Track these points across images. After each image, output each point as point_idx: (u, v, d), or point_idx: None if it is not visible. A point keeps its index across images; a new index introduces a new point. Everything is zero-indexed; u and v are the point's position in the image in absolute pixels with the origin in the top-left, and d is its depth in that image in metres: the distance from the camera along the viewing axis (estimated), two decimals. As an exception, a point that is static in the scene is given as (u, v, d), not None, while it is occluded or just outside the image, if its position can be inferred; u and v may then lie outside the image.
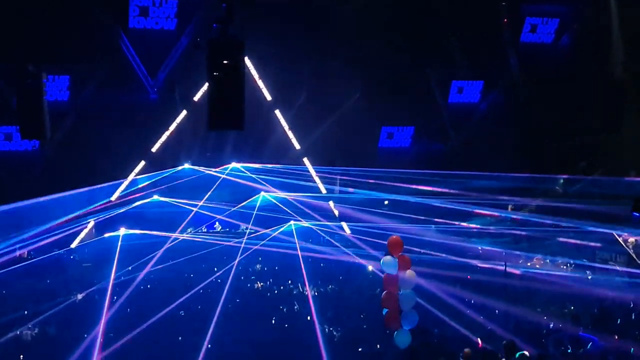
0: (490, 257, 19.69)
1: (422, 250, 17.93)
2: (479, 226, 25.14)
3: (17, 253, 22.88)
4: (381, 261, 10.89)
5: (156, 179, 25.80)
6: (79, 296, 18.32)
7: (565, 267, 22.14)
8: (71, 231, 23.03)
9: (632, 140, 24.36)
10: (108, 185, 23.96)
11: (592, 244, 22.07)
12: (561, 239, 23.34)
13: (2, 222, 20.98)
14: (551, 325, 13.56)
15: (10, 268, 21.69)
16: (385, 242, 11.31)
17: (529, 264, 22.76)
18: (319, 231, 26.30)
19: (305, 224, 25.46)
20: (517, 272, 17.09)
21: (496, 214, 25.83)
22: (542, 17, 28.02)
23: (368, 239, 22.44)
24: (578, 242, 22.42)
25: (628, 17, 25.11)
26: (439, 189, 25.54)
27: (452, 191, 25.51)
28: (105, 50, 24.00)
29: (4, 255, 20.95)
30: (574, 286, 18.61)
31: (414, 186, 25.46)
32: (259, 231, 25.18)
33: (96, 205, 23.79)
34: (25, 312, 16.26)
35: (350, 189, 26.29)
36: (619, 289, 18.01)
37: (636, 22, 24.48)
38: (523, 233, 24.84)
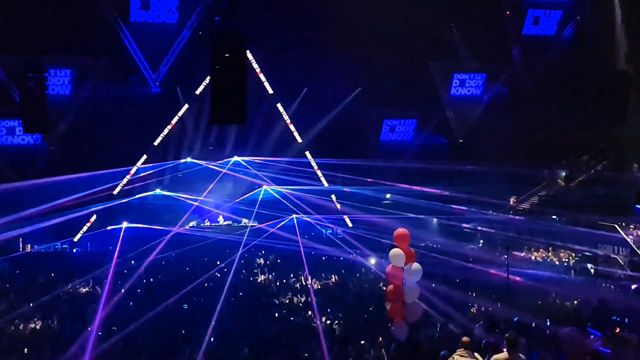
0: (490, 260, 19.62)
1: (421, 249, 17.93)
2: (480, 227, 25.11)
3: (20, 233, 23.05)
4: (389, 254, 10.76)
5: (155, 170, 25.87)
6: (82, 289, 18.36)
7: (567, 260, 22.11)
8: (72, 217, 23.07)
9: (635, 133, 24.27)
10: (109, 173, 23.97)
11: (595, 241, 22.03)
12: (564, 232, 23.31)
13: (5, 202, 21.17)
14: (548, 322, 13.54)
15: (13, 257, 21.85)
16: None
17: (533, 257, 22.73)
18: (320, 226, 26.31)
19: (306, 218, 25.46)
20: (518, 279, 17.11)
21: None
22: (544, 9, 27.95)
23: (369, 235, 22.42)
24: (581, 234, 22.38)
25: (631, 9, 24.99)
26: (440, 189, 25.51)
27: (451, 192, 25.50)
28: (107, 44, 24.02)
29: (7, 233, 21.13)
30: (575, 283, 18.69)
31: (416, 188, 25.43)
32: (260, 225, 25.20)
33: (97, 190, 23.84)
34: (31, 304, 16.29)
35: (346, 189, 26.28)
36: (621, 285, 18.04)
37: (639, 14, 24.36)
38: (525, 226, 24.83)
